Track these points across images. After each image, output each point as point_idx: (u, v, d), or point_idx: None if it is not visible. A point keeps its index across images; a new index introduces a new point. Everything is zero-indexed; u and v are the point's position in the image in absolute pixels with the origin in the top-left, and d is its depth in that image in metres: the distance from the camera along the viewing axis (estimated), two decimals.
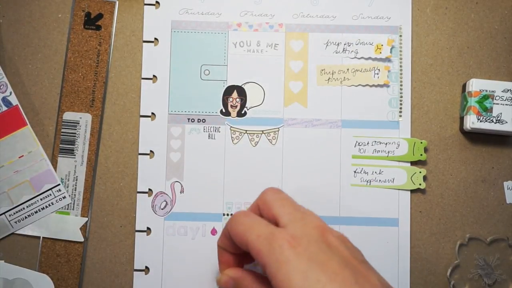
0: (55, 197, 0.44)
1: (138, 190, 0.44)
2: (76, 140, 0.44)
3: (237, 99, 0.45)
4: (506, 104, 0.43)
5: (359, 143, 0.45)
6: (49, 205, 0.44)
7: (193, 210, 0.44)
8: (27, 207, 0.43)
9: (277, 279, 0.31)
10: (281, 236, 0.32)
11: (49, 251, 0.44)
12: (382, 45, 0.45)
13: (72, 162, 0.44)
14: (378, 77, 0.45)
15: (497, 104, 0.43)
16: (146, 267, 0.44)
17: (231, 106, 0.45)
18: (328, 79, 0.45)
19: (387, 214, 0.44)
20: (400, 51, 0.45)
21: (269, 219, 0.35)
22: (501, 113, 0.42)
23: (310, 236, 0.32)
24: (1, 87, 0.44)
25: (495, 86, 0.43)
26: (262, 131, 0.45)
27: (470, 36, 0.45)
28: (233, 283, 0.37)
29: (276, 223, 0.34)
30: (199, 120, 0.45)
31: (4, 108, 0.44)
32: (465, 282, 0.44)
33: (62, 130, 0.44)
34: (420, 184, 0.44)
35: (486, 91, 0.43)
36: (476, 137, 0.45)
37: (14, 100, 0.44)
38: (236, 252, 0.37)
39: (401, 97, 0.45)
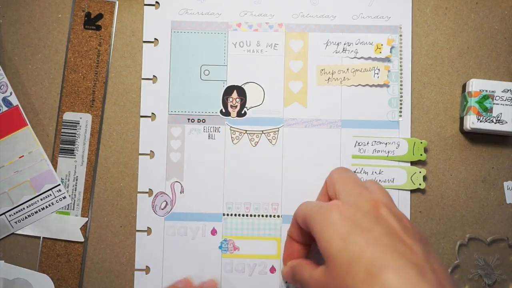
0: (55, 197, 0.44)
1: (139, 190, 0.44)
2: (76, 140, 0.44)
3: (237, 99, 0.45)
4: (506, 104, 0.43)
5: (359, 143, 0.45)
6: (49, 205, 0.44)
7: (193, 210, 0.44)
8: (27, 207, 0.44)
9: (320, 241, 0.33)
10: (331, 203, 0.34)
11: (49, 251, 0.44)
12: (382, 45, 0.45)
13: (72, 162, 0.44)
14: (378, 77, 0.45)
15: (497, 104, 0.43)
16: (147, 267, 0.44)
17: (231, 106, 0.45)
18: (328, 79, 0.45)
19: None
20: (400, 51, 0.45)
21: (333, 196, 0.38)
22: (501, 113, 0.42)
23: (361, 206, 0.34)
24: (1, 87, 0.44)
25: (495, 86, 0.43)
26: (262, 131, 0.45)
27: (470, 36, 0.45)
28: (291, 272, 0.40)
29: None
30: (199, 120, 0.45)
31: (5, 108, 0.44)
32: (465, 282, 0.44)
33: (62, 130, 0.44)
34: (420, 184, 0.44)
35: (486, 91, 0.43)
36: (476, 137, 0.45)
37: (14, 100, 0.44)
38: (302, 241, 0.40)
39: (401, 97, 0.45)
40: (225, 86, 0.45)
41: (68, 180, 0.44)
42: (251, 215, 0.44)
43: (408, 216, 0.44)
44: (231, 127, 0.45)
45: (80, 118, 0.44)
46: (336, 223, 0.33)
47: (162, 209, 0.44)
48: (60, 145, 0.44)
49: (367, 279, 0.29)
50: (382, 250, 0.30)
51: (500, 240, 0.44)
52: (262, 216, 0.44)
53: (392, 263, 0.30)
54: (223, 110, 0.45)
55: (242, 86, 0.45)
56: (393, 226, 0.32)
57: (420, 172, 0.44)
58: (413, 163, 0.45)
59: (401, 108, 0.45)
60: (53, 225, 0.44)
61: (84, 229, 0.44)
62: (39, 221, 0.44)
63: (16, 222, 0.44)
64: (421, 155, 0.44)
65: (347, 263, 0.31)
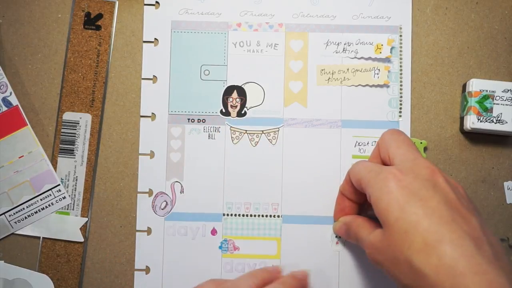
0: (55, 197, 0.44)
1: (139, 190, 0.44)
2: (76, 140, 0.44)
3: (237, 99, 0.45)
4: (506, 104, 0.43)
5: (359, 143, 0.45)
6: (49, 205, 0.44)
7: (193, 210, 0.44)
8: (27, 207, 0.44)
9: (378, 208, 0.33)
10: (388, 170, 0.34)
11: (49, 251, 0.44)
12: (382, 45, 0.45)
13: (72, 162, 0.44)
14: (378, 77, 0.45)
15: (497, 104, 0.43)
16: (147, 267, 0.44)
17: (231, 106, 0.45)
18: (328, 79, 0.45)
19: None
20: (400, 51, 0.45)
21: (386, 159, 0.37)
22: (501, 113, 0.43)
23: (418, 173, 0.33)
24: (1, 87, 0.44)
25: (495, 86, 0.43)
26: (262, 131, 0.45)
27: (470, 36, 0.45)
28: (345, 228, 0.40)
29: (391, 164, 0.36)
30: (199, 120, 0.45)
31: (4, 108, 0.44)
32: None
33: (62, 130, 0.44)
34: None
35: (486, 91, 0.43)
36: (476, 137, 0.45)
37: (14, 100, 0.44)
38: (354, 200, 0.40)
39: (401, 97, 0.45)
40: (225, 86, 0.45)
41: (68, 180, 0.44)
42: (251, 215, 0.44)
43: None
44: (231, 127, 0.45)
45: (80, 118, 0.44)
46: (393, 191, 0.32)
47: (162, 209, 0.44)
48: (60, 145, 0.44)
49: (424, 250, 0.30)
50: (439, 221, 0.30)
51: (500, 240, 0.44)
52: (262, 216, 0.44)
53: (449, 235, 0.30)
54: (223, 110, 0.45)
55: (242, 86, 0.45)
56: (450, 196, 0.32)
57: None
58: None
59: (401, 108, 0.45)
60: (53, 225, 0.44)
61: (84, 229, 0.44)
62: (39, 221, 0.44)
63: (16, 222, 0.44)
64: None
65: (404, 232, 0.31)
